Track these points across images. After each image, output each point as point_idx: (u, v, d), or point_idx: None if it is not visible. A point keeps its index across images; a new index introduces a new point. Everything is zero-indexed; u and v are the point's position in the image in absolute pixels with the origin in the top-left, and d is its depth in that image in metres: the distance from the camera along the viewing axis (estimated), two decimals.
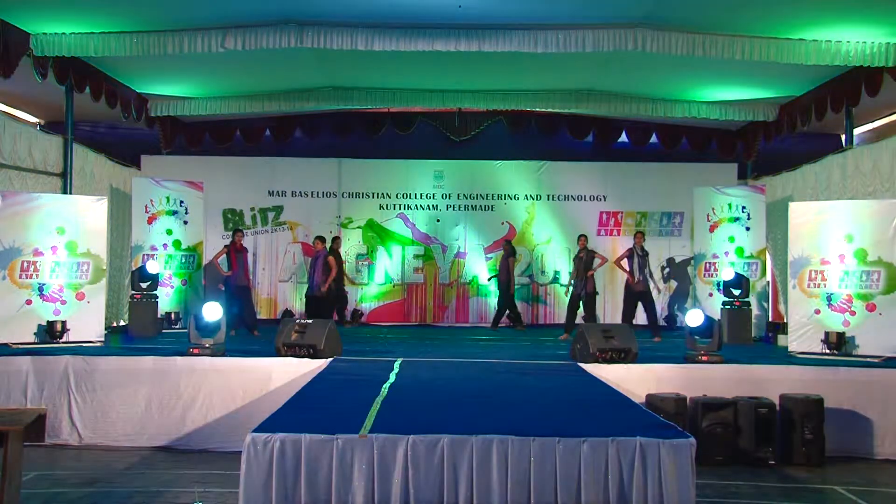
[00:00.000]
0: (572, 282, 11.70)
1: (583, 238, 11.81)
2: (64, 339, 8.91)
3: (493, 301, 14.34)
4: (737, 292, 10.86)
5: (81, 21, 9.38)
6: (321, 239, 12.10)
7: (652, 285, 11.95)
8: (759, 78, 11.18)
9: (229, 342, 8.45)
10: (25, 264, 8.99)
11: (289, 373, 7.77)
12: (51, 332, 8.89)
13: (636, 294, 11.35)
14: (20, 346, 8.48)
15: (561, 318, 13.94)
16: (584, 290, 11.37)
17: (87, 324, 9.22)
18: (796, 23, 9.03)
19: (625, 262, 11.44)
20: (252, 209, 14.42)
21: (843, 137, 11.94)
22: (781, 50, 9.34)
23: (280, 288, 14.37)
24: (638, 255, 11.33)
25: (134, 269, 11.37)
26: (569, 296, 11.80)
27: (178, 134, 14.13)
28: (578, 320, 11.18)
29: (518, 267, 14.37)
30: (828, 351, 8.74)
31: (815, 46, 9.33)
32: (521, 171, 14.64)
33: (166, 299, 11.84)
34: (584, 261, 11.41)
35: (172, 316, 11.74)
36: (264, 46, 9.46)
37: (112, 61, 10.64)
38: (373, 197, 14.55)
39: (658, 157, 14.47)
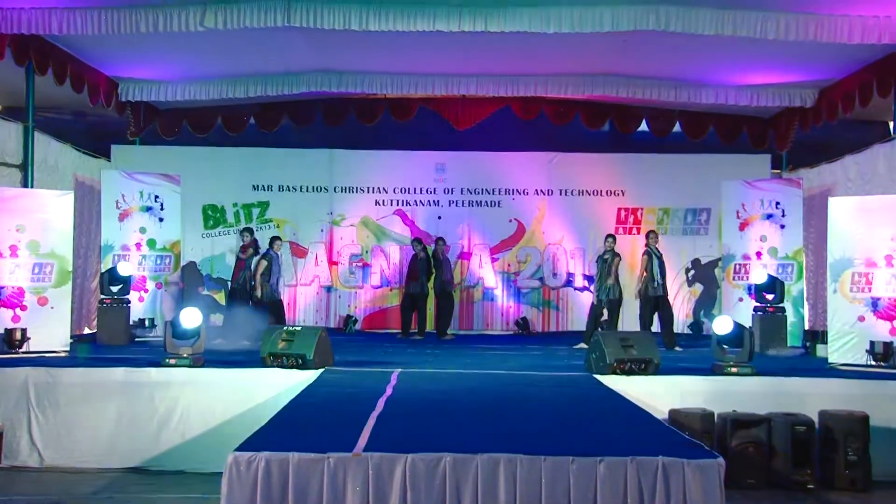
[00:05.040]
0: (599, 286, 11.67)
1: (610, 238, 11.79)
2: (24, 349, 8.87)
3: (499, 305, 14.38)
4: (770, 297, 10.84)
5: None
6: (249, 231, 12.20)
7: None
8: (796, 59, 11.15)
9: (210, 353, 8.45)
10: None
11: (275, 385, 7.76)
12: (9, 341, 8.86)
13: (653, 299, 11.35)
14: None
15: (574, 324, 14.07)
16: (607, 296, 11.37)
17: (51, 332, 9.20)
18: None
19: (646, 266, 11.48)
20: (235, 205, 14.42)
21: (891, 125, 11.92)
22: (821, 27, 9.30)
23: None
24: (656, 256, 11.34)
25: (103, 270, 11.37)
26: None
27: (152, 121, 14.12)
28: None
29: (527, 269, 14.40)
30: (873, 362, 8.68)
31: (861, 22, 9.27)
32: (531, 164, 14.65)
33: (139, 304, 11.84)
34: (609, 263, 11.41)
35: (146, 322, 11.74)
36: (248, 25, 9.45)
37: (78, 40, 10.63)
38: (368, 192, 14.57)
39: (682, 148, 14.44)
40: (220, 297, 13.70)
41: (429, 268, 13.09)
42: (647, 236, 11.80)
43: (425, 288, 13.05)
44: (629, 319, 13.04)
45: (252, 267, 11.54)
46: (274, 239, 11.94)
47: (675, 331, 11.69)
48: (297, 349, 7.94)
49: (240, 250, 11.94)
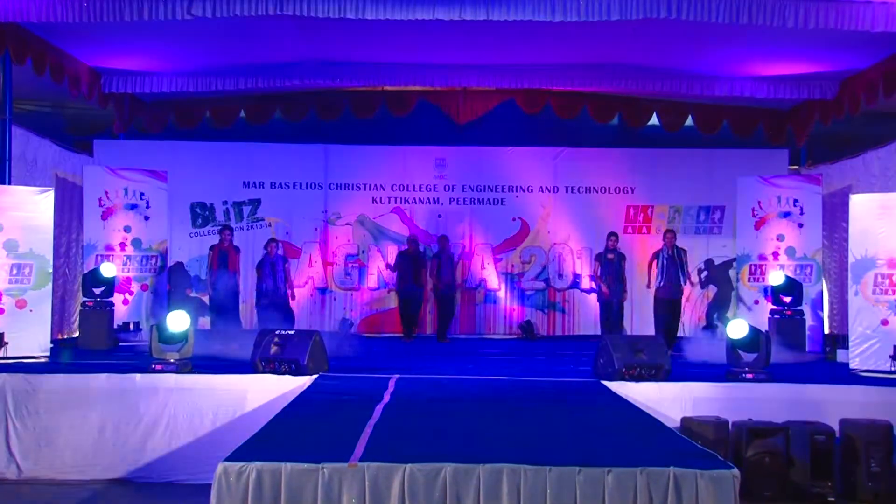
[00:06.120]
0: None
1: (613, 237, 11.81)
2: (1, 355, 8.87)
3: (502, 308, 14.39)
4: (788, 299, 10.85)
5: None
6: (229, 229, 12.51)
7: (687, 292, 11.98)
8: (816, 49, 11.13)
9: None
10: None
11: (267, 392, 7.76)
12: None
13: (663, 302, 11.37)
14: None
15: (581, 327, 14.12)
16: (616, 298, 11.42)
17: (30, 336, 9.20)
18: None
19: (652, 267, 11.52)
20: (224, 203, 14.41)
21: None
22: (843, 14, 9.28)
23: None
24: (664, 258, 11.37)
25: (86, 272, 11.38)
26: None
27: (137, 115, 14.09)
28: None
29: (532, 269, 14.40)
30: None
31: (884, 10, 9.23)
32: (536, 159, 14.65)
33: (123, 307, 11.85)
34: (615, 263, 11.44)
35: (131, 326, 11.76)
36: (238, 13, 9.42)
37: (58, 28, 10.60)
38: (364, 189, 14.58)
39: (695, 143, 14.45)
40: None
41: (423, 267, 13.14)
42: (664, 235, 11.84)
43: (422, 289, 13.10)
44: (637, 322, 13.08)
45: None
46: (268, 241, 12.09)
47: (688, 335, 11.72)
48: (290, 354, 7.93)
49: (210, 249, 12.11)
